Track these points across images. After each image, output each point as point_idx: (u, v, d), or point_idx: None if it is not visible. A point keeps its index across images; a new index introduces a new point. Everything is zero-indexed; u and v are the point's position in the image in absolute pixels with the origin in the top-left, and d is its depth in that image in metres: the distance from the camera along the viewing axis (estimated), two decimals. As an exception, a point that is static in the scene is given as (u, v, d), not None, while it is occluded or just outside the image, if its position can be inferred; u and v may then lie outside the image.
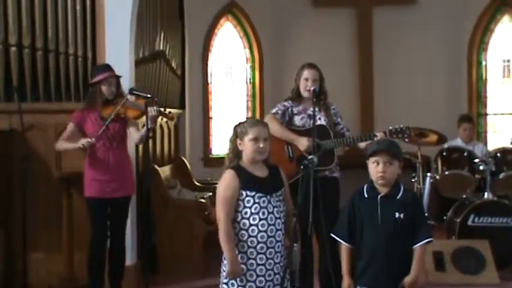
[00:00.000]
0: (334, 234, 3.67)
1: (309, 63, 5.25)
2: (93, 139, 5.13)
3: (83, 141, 5.12)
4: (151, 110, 5.06)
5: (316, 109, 5.03)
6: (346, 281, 3.60)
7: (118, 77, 5.39)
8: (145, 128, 5.08)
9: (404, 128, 5.00)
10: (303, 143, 5.03)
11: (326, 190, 4.78)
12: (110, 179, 5.24)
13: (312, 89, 5.05)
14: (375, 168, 3.52)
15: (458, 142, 7.09)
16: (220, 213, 3.58)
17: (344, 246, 3.62)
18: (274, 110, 5.27)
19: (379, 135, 4.95)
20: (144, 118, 5.17)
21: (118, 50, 5.84)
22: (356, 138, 5.12)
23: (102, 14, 5.90)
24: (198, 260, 6.39)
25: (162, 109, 5.33)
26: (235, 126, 3.72)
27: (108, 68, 5.40)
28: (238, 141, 3.66)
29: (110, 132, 5.27)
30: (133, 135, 5.35)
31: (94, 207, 5.30)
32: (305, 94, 5.15)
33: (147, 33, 6.69)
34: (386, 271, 3.47)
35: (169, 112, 5.52)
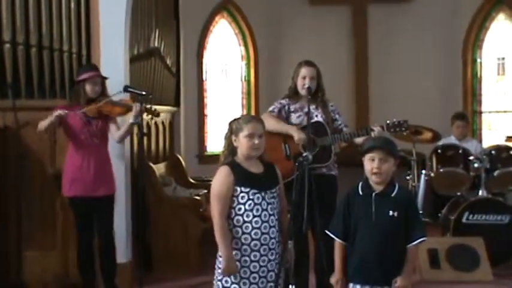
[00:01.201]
0: (328, 231, 3.67)
1: (306, 61, 5.24)
2: (66, 111, 5.15)
3: (59, 111, 5.12)
4: (136, 105, 5.11)
5: (314, 106, 5.03)
6: (336, 275, 3.60)
7: (103, 78, 5.39)
8: (125, 126, 5.14)
9: (402, 121, 4.99)
10: (298, 136, 5.00)
11: (323, 188, 4.78)
12: (91, 177, 5.24)
13: (307, 87, 5.05)
14: (370, 164, 3.52)
15: (451, 139, 7.11)
16: (215, 210, 3.57)
17: (338, 243, 3.62)
18: (270, 109, 5.28)
19: (376, 129, 4.94)
20: (128, 116, 5.21)
21: (112, 47, 5.81)
22: (353, 133, 5.11)
23: (96, 11, 5.87)
24: (193, 258, 6.39)
25: (148, 106, 5.34)
26: (230, 123, 3.72)
27: (93, 67, 5.43)
28: (233, 137, 3.65)
29: (92, 129, 5.28)
30: (114, 133, 5.39)
31: (77, 206, 5.31)
32: (302, 92, 5.14)
33: (141, 30, 6.68)
34: (380, 268, 3.47)
35: (155, 109, 5.51)
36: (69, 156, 5.32)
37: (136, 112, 5.14)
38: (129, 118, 5.29)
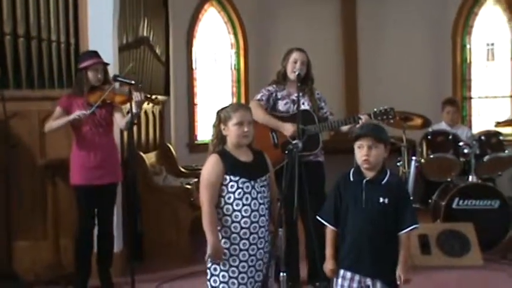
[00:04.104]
0: (319, 217, 3.67)
1: (297, 47, 5.27)
2: (88, 111, 5.11)
3: (78, 113, 5.09)
4: (137, 95, 5.05)
5: (301, 94, 5.04)
6: (328, 264, 3.60)
7: (105, 64, 5.37)
8: (130, 114, 5.07)
9: (389, 109, 5.03)
10: (288, 128, 5.04)
11: (311, 175, 4.79)
12: (97, 165, 5.23)
13: (297, 73, 5.05)
14: (360, 152, 3.52)
15: (442, 126, 7.12)
16: (204, 197, 3.57)
17: (329, 229, 3.62)
18: (258, 96, 5.27)
19: (363, 117, 4.97)
20: (128, 104, 5.17)
21: (101, 36, 5.79)
22: (340, 121, 5.14)
23: (84, 0, 5.85)
24: (184, 246, 6.39)
25: (148, 95, 5.31)
26: (218, 112, 3.71)
27: (95, 54, 5.37)
28: (222, 126, 3.65)
29: (96, 117, 5.26)
30: (119, 121, 5.34)
31: (81, 195, 5.29)
32: (291, 76, 5.16)
33: (130, 19, 6.65)
34: (369, 255, 3.47)
35: (156, 97, 5.50)
36: (75, 146, 5.29)
37: (138, 102, 5.09)
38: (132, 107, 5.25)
